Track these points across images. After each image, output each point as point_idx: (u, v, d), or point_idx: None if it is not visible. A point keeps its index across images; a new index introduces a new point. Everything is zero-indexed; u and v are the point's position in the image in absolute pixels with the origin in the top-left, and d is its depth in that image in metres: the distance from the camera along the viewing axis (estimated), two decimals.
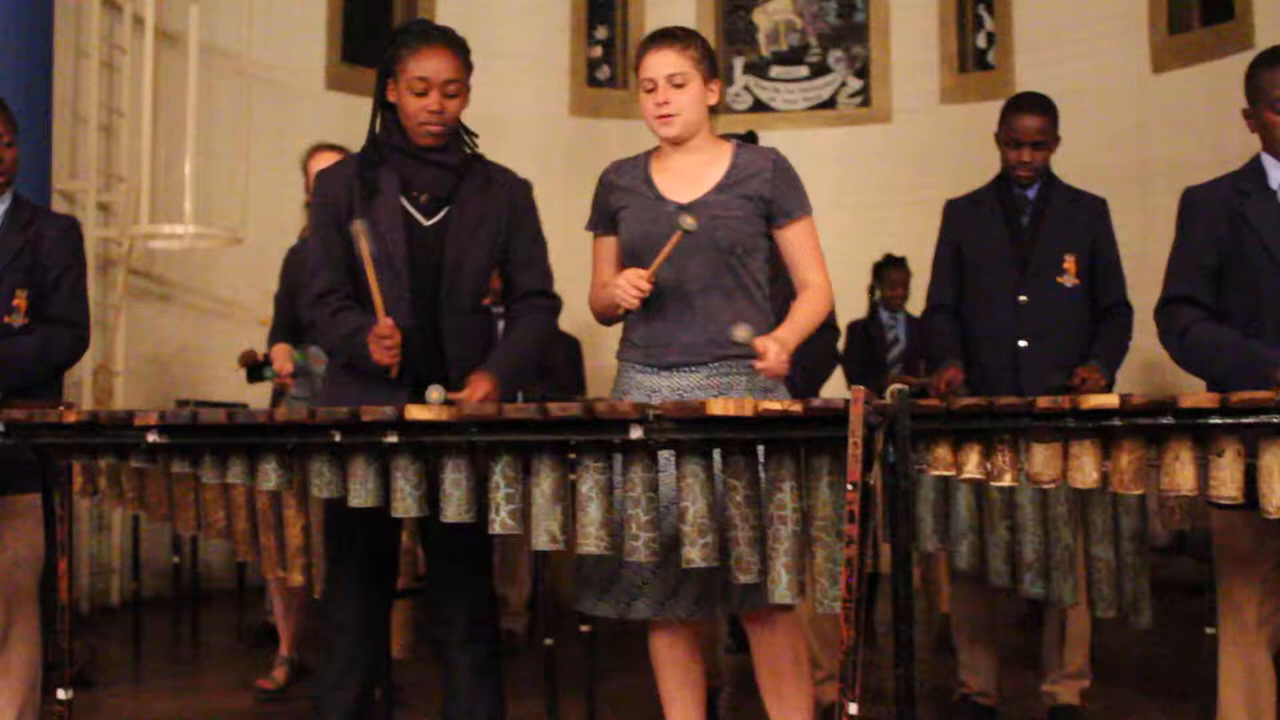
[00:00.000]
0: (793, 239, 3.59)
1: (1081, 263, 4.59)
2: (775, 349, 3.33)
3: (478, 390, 3.50)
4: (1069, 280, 4.57)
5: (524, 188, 3.79)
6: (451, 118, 3.61)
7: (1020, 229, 4.65)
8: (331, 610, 3.67)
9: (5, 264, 3.97)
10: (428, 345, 3.59)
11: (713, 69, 3.60)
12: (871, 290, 7.56)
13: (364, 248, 3.47)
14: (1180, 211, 3.72)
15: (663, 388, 3.51)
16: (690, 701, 3.58)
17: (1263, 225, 3.53)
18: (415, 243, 3.59)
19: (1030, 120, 4.64)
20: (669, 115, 3.54)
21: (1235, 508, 3.02)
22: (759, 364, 3.34)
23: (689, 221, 3.41)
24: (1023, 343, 4.53)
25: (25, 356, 3.94)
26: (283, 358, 5.34)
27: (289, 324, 5.36)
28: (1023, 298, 4.57)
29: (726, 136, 3.78)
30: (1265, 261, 3.51)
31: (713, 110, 3.63)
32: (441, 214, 3.64)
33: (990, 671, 4.68)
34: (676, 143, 3.60)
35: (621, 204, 3.64)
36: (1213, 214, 3.62)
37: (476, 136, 3.77)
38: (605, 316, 3.70)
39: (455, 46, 3.64)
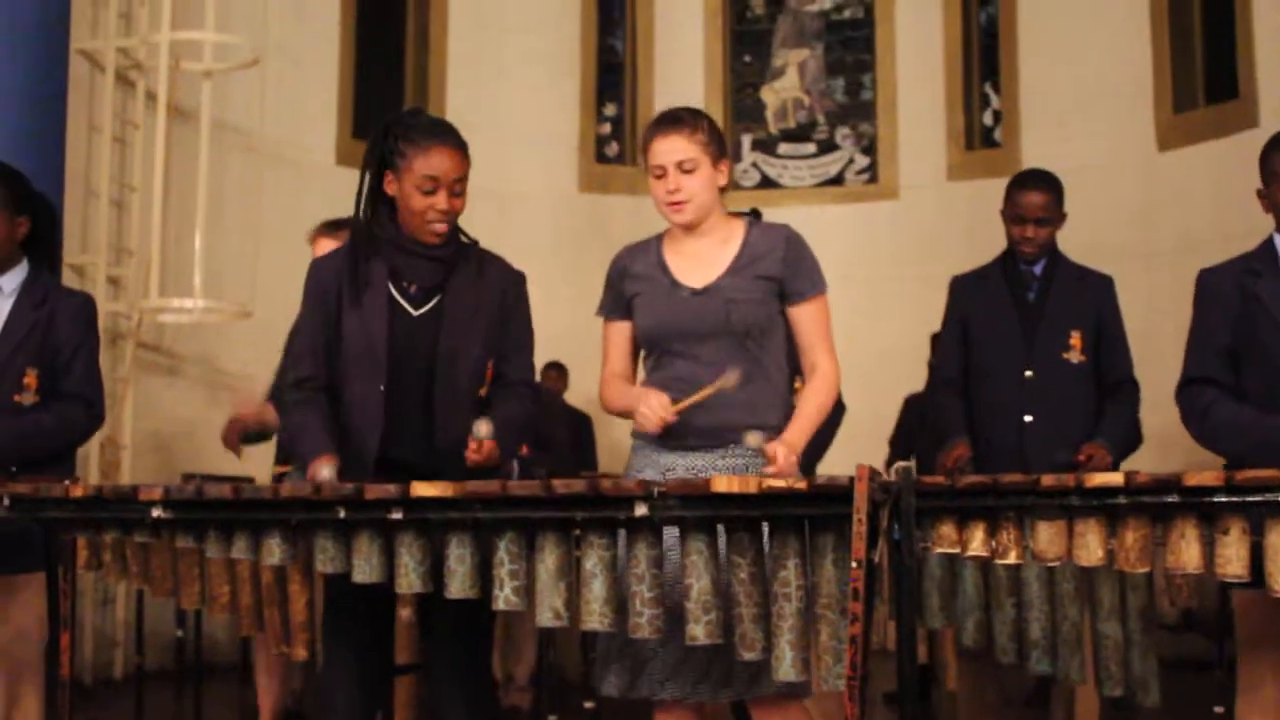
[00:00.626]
0: (805, 319, 3.55)
1: (1087, 339, 4.59)
2: (784, 452, 3.31)
3: (485, 449, 3.48)
4: (1075, 356, 4.56)
5: (516, 278, 3.74)
6: (456, 215, 3.59)
7: (1027, 305, 4.65)
8: (329, 688, 3.64)
9: (18, 342, 3.97)
10: (416, 434, 3.55)
11: (721, 149, 3.56)
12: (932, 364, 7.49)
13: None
14: (1196, 293, 3.73)
15: (678, 466, 3.48)
16: None
17: (1275, 305, 3.54)
18: (400, 334, 3.56)
19: (1035, 197, 4.64)
20: (680, 203, 3.50)
21: (1250, 586, 3.02)
22: (768, 469, 3.31)
23: (732, 379, 3.38)
24: (1028, 417, 4.51)
25: (43, 433, 3.94)
26: (266, 414, 5.30)
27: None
28: (1029, 373, 4.56)
29: (736, 213, 3.74)
30: (1278, 340, 3.51)
31: (723, 190, 3.59)
32: (432, 304, 3.61)
33: None
34: (689, 228, 3.56)
35: (635, 290, 3.60)
36: (1226, 295, 3.63)
37: (472, 240, 3.74)
38: (615, 412, 3.67)
39: (461, 144, 3.61)
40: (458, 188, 3.57)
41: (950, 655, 6.70)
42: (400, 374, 3.56)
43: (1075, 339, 4.59)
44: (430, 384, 3.57)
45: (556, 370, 8.27)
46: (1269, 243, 3.66)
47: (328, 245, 5.01)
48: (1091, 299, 4.64)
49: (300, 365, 3.66)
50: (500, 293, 3.68)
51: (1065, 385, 4.54)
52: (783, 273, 3.53)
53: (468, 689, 3.63)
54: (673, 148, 3.49)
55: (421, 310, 3.61)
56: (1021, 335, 4.61)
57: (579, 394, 8.26)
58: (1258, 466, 2.91)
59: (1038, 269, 4.68)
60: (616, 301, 3.65)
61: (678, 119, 3.53)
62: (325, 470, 3.34)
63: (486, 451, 3.45)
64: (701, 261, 3.56)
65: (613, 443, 7.75)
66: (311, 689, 6.21)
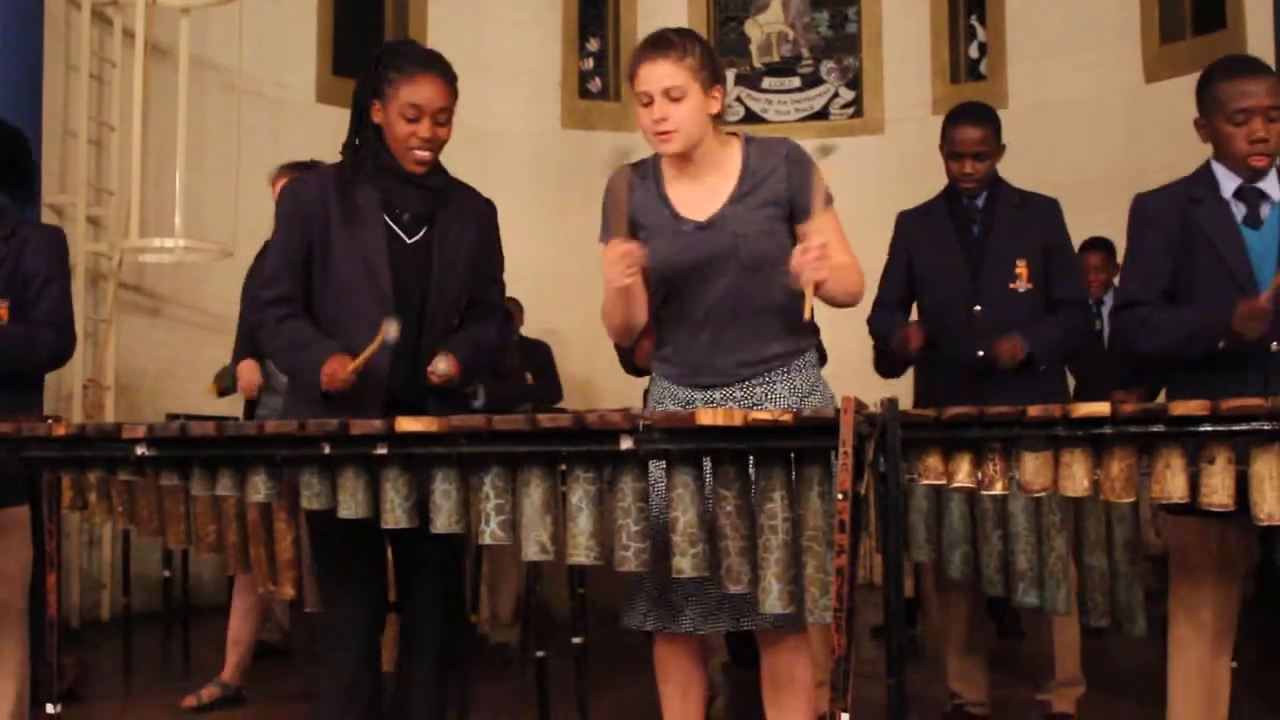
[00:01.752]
0: (819, 232, 3.33)
1: (1035, 266, 4.57)
2: (816, 250, 3.18)
3: (449, 363, 3.49)
4: (1022, 285, 4.56)
5: (490, 209, 3.74)
6: (440, 145, 3.57)
7: (970, 239, 4.65)
8: (334, 634, 3.62)
9: None
10: (405, 363, 3.54)
11: (714, 75, 3.40)
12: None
13: (379, 341, 3.40)
14: (1133, 218, 3.73)
15: (697, 400, 3.43)
16: (691, 713, 3.56)
17: (1216, 232, 3.56)
18: (398, 260, 3.55)
19: (970, 131, 4.64)
20: (668, 132, 3.35)
21: (1186, 513, 3.06)
22: (798, 257, 3.19)
23: (393, 330, 3.36)
24: (981, 352, 4.51)
25: (10, 341, 3.91)
26: (249, 372, 5.30)
27: (249, 339, 5.33)
28: (978, 307, 4.56)
29: (732, 132, 3.56)
30: (1218, 267, 3.54)
31: (716, 117, 3.44)
32: (422, 233, 3.60)
33: (981, 681, 4.67)
34: (680, 158, 3.44)
35: (641, 224, 3.48)
36: (1165, 220, 3.65)
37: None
38: (621, 330, 3.55)
39: (447, 75, 3.58)
40: (442, 117, 3.54)
41: (934, 590, 6.74)
42: (399, 301, 3.52)
43: (1021, 268, 4.58)
44: (421, 314, 3.56)
45: (512, 306, 8.24)
46: (1207, 169, 3.67)
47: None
48: (1036, 225, 4.63)
49: (278, 283, 3.59)
50: (481, 224, 3.68)
51: (1015, 316, 4.52)
52: (788, 193, 3.41)
53: (435, 626, 3.63)
54: (660, 73, 3.32)
55: (414, 239, 3.59)
56: (968, 271, 4.61)
57: (561, 324, 8.25)
58: (1186, 357, 3.20)
59: (980, 202, 4.68)
60: (617, 226, 3.46)
61: (666, 42, 3.35)
62: (392, 329, 3.34)
63: (444, 379, 3.48)
64: (702, 191, 3.43)
65: (568, 375, 7.71)
66: (298, 627, 6.23)
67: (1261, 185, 3.60)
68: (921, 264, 4.75)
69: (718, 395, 3.42)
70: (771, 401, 3.38)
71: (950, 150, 4.68)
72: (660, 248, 3.41)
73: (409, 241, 3.58)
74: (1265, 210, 3.59)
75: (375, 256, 3.53)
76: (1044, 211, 4.66)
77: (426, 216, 3.60)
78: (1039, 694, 4.73)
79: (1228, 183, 3.62)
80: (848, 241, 3.47)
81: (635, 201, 3.48)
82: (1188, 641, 3.58)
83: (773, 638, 3.41)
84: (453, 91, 3.59)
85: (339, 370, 3.42)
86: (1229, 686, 3.61)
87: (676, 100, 3.33)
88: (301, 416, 3.26)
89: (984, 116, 4.70)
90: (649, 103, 3.35)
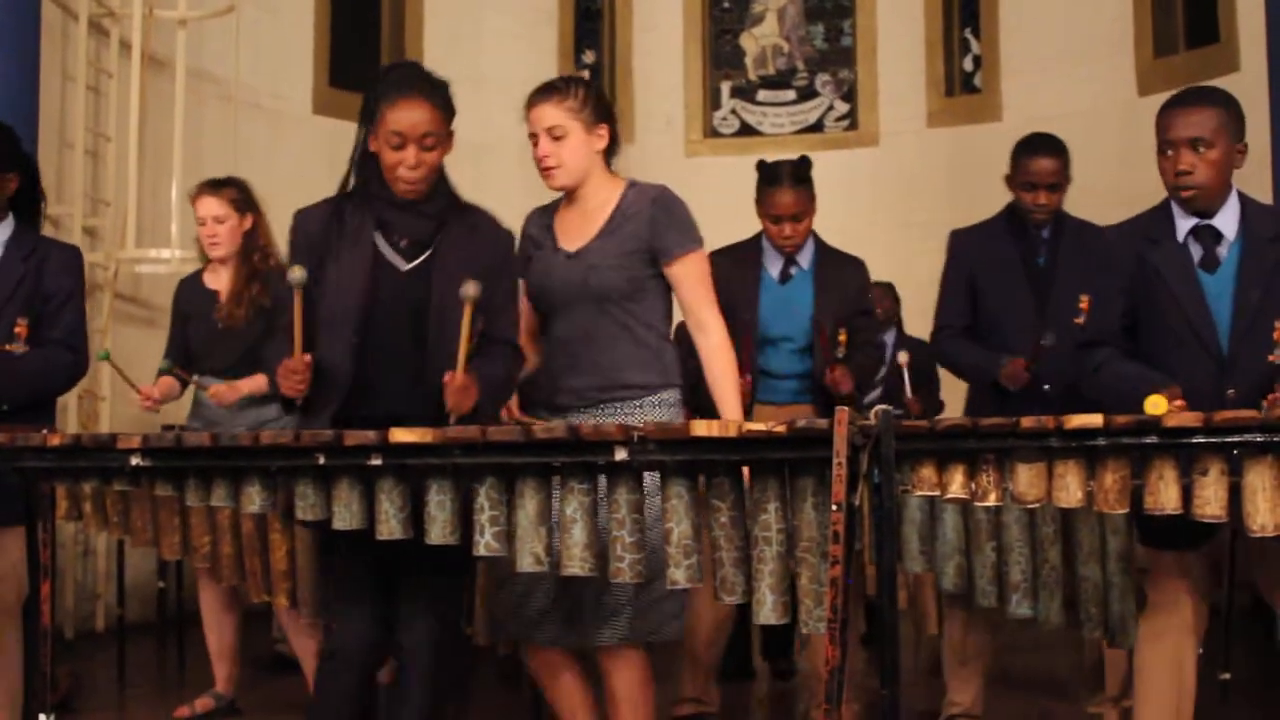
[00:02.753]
0: (679, 277, 3.67)
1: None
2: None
3: (464, 383, 3.43)
4: (1083, 319, 4.53)
5: (506, 237, 3.69)
6: (429, 170, 3.52)
7: (1037, 270, 4.63)
8: (330, 644, 3.61)
9: (8, 292, 4.02)
10: (400, 390, 3.48)
11: (598, 114, 3.67)
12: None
13: (297, 300, 3.38)
14: (1099, 256, 3.75)
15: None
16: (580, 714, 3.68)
17: (1171, 277, 3.54)
18: (385, 287, 3.49)
19: (1045, 163, 4.61)
20: (551, 168, 3.66)
21: (1164, 547, 3.10)
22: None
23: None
24: (1046, 385, 4.48)
25: (27, 372, 3.96)
26: (168, 386, 5.25)
27: (181, 351, 5.29)
28: (1045, 341, 4.52)
29: (624, 177, 3.76)
30: (1175, 313, 3.52)
31: (608, 153, 3.70)
32: (422, 258, 3.55)
33: (976, 688, 4.66)
34: (568, 191, 3.71)
35: (529, 253, 3.78)
36: (1123, 259, 3.64)
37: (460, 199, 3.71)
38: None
39: (433, 96, 3.53)
40: (428, 141, 3.49)
41: (929, 601, 6.72)
42: (383, 329, 3.49)
43: (1084, 303, 4.55)
44: (419, 339, 3.51)
45: None
46: (1165, 206, 3.64)
47: (204, 202, 5.07)
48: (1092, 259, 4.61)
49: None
50: (491, 251, 3.61)
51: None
52: (649, 234, 3.63)
53: (430, 640, 3.60)
54: (541, 115, 3.67)
55: (411, 265, 3.55)
56: (1034, 303, 4.58)
57: None
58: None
59: (1045, 231, 4.66)
60: (519, 260, 3.75)
61: (550, 88, 3.70)
62: (295, 273, 3.37)
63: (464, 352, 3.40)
64: (580, 225, 3.70)
65: None
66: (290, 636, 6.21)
67: (1216, 224, 3.56)
68: (986, 293, 4.71)
69: (574, 419, 3.55)
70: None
71: (1023, 181, 4.63)
72: (537, 271, 3.72)
73: (404, 268, 3.53)
74: (1222, 251, 3.55)
75: (352, 284, 3.48)
76: (1098, 243, 4.62)
77: (426, 242, 3.56)
78: (1090, 707, 4.74)
79: (1183, 223, 3.58)
80: (712, 290, 3.71)
81: (531, 233, 3.81)
82: (1160, 634, 3.59)
83: (613, 657, 3.57)
84: (442, 113, 3.54)
85: (284, 373, 3.38)
86: (1194, 686, 3.61)
87: (558, 139, 3.65)
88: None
89: (1058, 148, 4.66)
90: (536, 143, 3.68)
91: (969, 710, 4.66)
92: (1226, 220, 3.57)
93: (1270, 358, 3.36)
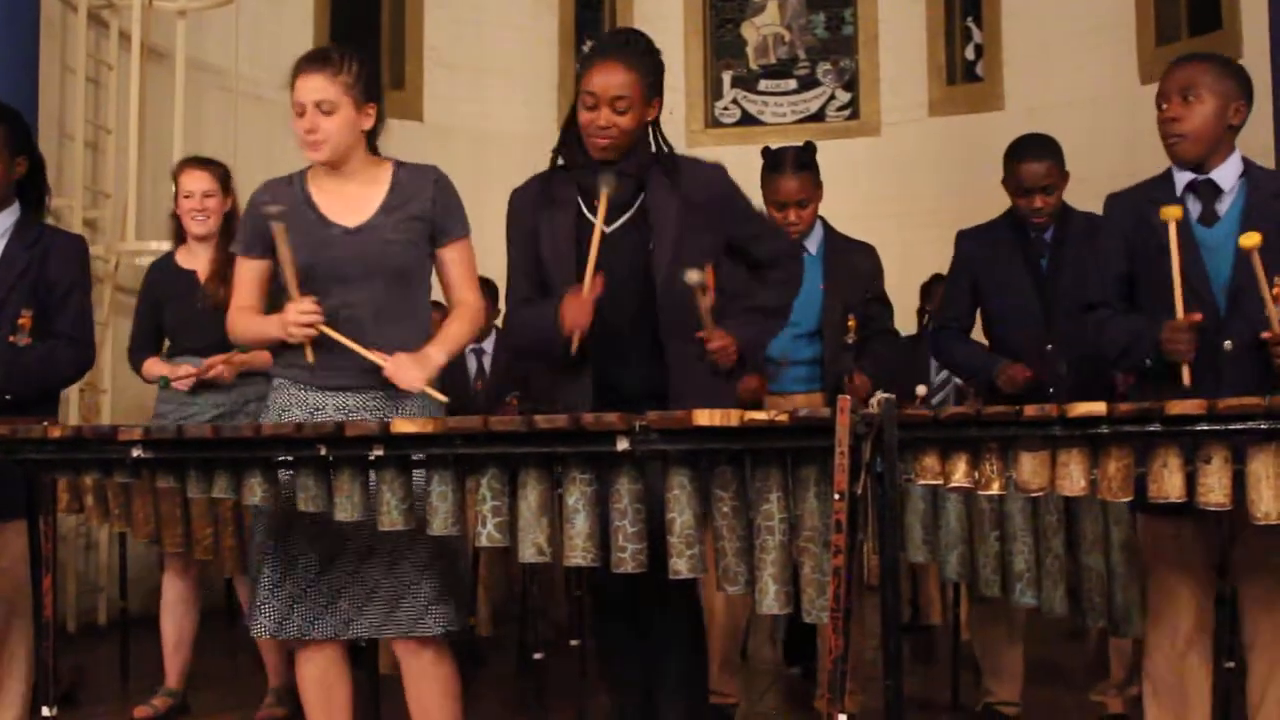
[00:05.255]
0: (454, 259, 3.62)
1: None
2: (404, 365, 3.42)
3: (724, 340, 3.56)
4: None
5: (720, 174, 3.73)
6: (621, 133, 3.56)
7: (1040, 274, 4.60)
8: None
9: (12, 281, 4.00)
10: (636, 359, 3.60)
11: (369, 93, 3.55)
12: (922, 312, 7.43)
13: (282, 248, 3.46)
14: (1101, 218, 3.77)
15: (327, 405, 3.51)
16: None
17: (1165, 230, 3.50)
18: (607, 248, 3.55)
19: (1035, 166, 4.57)
20: (317, 141, 3.51)
21: (1165, 513, 3.07)
22: (387, 369, 3.41)
23: (695, 276, 3.46)
24: (1051, 389, 4.47)
25: (31, 365, 3.95)
26: (161, 368, 5.20)
27: (152, 336, 5.25)
28: (1050, 346, 4.52)
29: (384, 157, 3.73)
30: (1171, 267, 3.48)
31: (372, 132, 3.60)
32: (625, 219, 3.63)
33: (1016, 679, 4.64)
34: (330, 166, 3.57)
35: (263, 225, 3.56)
36: (1124, 222, 3.64)
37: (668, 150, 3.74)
38: (249, 342, 3.75)
39: (629, 59, 3.58)
40: (620, 104, 3.55)
41: (934, 591, 6.73)
42: (610, 292, 3.55)
43: None
44: (641, 303, 3.59)
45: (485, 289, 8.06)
46: (1168, 170, 3.66)
47: (193, 174, 5.06)
48: None
49: (517, 291, 3.73)
50: (703, 193, 3.66)
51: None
52: (433, 214, 3.58)
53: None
54: (312, 87, 3.51)
55: (614, 226, 3.62)
56: (1040, 308, 4.57)
57: None
58: (1131, 365, 3.33)
59: (1048, 235, 4.63)
60: (258, 240, 3.60)
61: (325, 58, 3.54)
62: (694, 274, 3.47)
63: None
64: (351, 201, 3.57)
65: None
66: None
67: (1214, 177, 3.57)
68: (988, 296, 4.70)
69: (351, 400, 3.51)
70: (403, 412, 3.49)
71: (1017, 186, 4.60)
72: (306, 249, 3.51)
73: (607, 230, 3.59)
74: (1222, 206, 3.56)
75: (564, 249, 3.61)
76: None
77: (628, 202, 3.63)
78: (1093, 694, 4.72)
79: (1181, 178, 3.60)
80: (476, 275, 3.69)
81: (286, 200, 3.58)
82: (1159, 646, 3.58)
83: (413, 648, 3.51)
84: (637, 78, 3.57)
85: (571, 304, 3.49)
86: (1209, 683, 3.59)
87: (327, 113, 3.50)
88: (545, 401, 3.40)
89: (1046, 149, 4.62)
90: (301, 112, 3.52)
91: (1009, 701, 4.63)
92: (1225, 175, 3.58)
93: (1267, 312, 3.36)
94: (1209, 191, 3.56)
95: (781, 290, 3.81)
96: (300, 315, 3.42)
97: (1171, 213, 3.42)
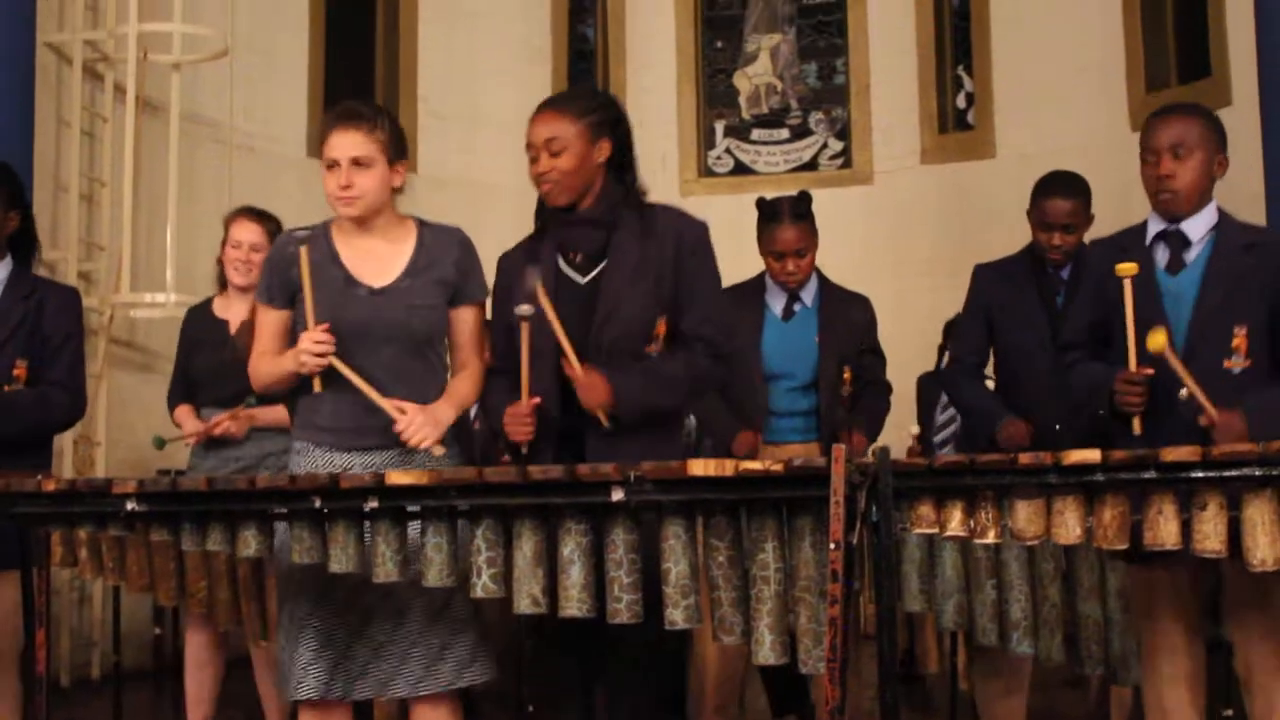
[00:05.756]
0: (466, 321, 3.63)
1: None
2: (419, 422, 3.41)
3: (591, 378, 3.49)
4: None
5: (694, 228, 3.71)
6: (562, 174, 3.61)
7: (1055, 311, 4.60)
8: None
9: (8, 333, 4.02)
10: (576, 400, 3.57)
11: (399, 151, 3.57)
12: (942, 350, 7.42)
13: (524, 333, 3.51)
14: (1085, 266, 3.80)
15: (355, 466, 3.48)
16: None
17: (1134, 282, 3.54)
18: (566, 303, 3.57)
19: (1061, 203, 4.58)
20: (353, 198, 3.50)
21: (1138, 561, 3.05)
22: (400, 424, 3.40)
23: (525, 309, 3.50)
24: (1059, 425, 4.47)
25: (24, 406, 3.96)
26: (188, 419, 5.21)
27: (185, 382, 5.26)
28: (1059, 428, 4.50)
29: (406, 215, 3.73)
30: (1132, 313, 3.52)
31: (396, 192, 3.60)
32: (597, 269, 3.64)
33: None
34: (357, 222, 3.57)
35: (297, 281, 3.56)
36: (1097, 271, 3.68)
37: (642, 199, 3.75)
38: (266, 391, 3.72)
39: (559, 106, 3.70)
40: (553, 147, 3.61)
41: (931, 640, 6.70)
42: (573, 342, 3.56)
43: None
44: (596, 350, 3.58)
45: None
46: (1145, 219, 3.69)
47: (246, 226, 5.04)
48: None
49: (493, 355, 3.74)
50: (672, 246, 3.65)
51: None
52: (456, 277, 3.58)
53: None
54: (350, 142, 3.50)
55: (588, 276, 3.65)
56: (1052, 345, 4.56)
57: None
58: (1090, 412, 3.33)
59: (1065, 272, 4.64)
60: (281, 289, 3.61)
61: (359, 114, 3.54)
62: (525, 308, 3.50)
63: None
64: (378, 260, 3.58)
65: None
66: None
67: (1184, 228, 3.59)
68: (1003, 331, 4.69)
69: (376, 459, 3.48)
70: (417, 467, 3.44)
71: (1039, 220, 4.61)
72: (328, 304, 3.50)
73: (582, 281, 3.63)
74: (1190, 255, 3.58)
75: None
76: None
77: (598, 254, 3.65)
78: None
79: (1153, 228, 3.64)
80: (484, 342, 3.69)
81: (315, 258, 3.56)
82: (1156, 693, 3.55)
83: (430, 703, 3.48)
84: (569, 121, 3.65)
85: (512, 419, 3.52)
86: None
87: (363, 167, 3.49)
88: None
89: (1075, 188, 4.63)
90: (335, 167, 3.50)
91: None
92: (1196, 226, 3.61)
93: (1226, 363, 3.37)
94: (1177, 241, 3.60)
95: (686, 369, 3.62)
96: (314, 345, 3.41)
97: (1126, 269, 3.46)
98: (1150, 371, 3.41)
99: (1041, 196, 4.62)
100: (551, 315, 3.50)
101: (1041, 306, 4.61)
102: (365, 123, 3.51)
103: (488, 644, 3.51)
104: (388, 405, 3.41)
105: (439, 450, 3.43)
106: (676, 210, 3.76)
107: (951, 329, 7.38)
